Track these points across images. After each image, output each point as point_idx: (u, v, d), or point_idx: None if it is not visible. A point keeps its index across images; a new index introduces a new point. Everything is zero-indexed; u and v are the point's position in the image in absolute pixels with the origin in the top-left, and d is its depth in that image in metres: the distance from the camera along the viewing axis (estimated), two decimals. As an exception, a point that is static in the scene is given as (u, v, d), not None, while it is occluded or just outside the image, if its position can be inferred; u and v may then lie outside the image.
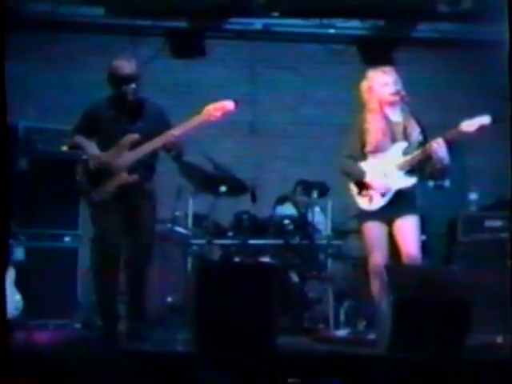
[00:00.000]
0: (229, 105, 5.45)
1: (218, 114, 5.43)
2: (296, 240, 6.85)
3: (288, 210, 7.11)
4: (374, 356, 5.01)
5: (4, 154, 4.05)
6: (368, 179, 5.39)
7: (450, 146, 5.27)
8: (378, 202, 5.38)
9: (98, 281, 5.57)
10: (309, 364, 4.66)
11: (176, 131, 5.40)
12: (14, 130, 6.75)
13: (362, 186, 5.43)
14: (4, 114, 3.97)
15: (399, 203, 5.37)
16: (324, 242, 6.84)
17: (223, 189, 6.39)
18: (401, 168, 5.36)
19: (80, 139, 5.59)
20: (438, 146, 5.20)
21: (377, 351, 5.10)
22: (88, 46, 8.10)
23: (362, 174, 5.42)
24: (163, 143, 5.42)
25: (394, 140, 5.42)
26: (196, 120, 5.45)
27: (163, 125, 5.47)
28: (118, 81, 5.42)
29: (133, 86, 5.41)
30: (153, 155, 5.54)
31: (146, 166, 5.53)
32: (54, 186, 6.64)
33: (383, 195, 5.37)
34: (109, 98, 5.55)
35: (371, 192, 5.39)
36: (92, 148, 5.53)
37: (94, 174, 5.47)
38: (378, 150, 5.41)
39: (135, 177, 5.43)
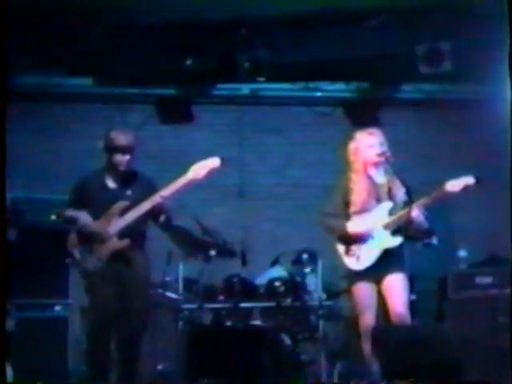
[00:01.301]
0: (214, 162, 5.42)
1: (204, 172, 5.41)
2: (287, 302, 6.83)
3: (278, 272, 7.11)
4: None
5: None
6: (349, 231, 5.42)
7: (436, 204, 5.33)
8: (365, 261, 5.40)
9: (90, 349, 5.54)
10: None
11: (164, 192, 5.43)
12: (2, 201, 6.77)
13: (345, 241, 5.47)
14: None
15: (387, 262, 5.38)
16: (315, 303, 6.84)
17: (213, 253, 6.39)
18: (386, 227, 5.40)
19: (71, 212, 5.61)
20: (418, 212, 5.27)
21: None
22: (76, 114, 8.15)
23: (343, 227, 5.45)
24: (152, 206, 5.44)
25: (378, 200, 5.46)
26: (183, 180, 5.44)
27: (152, 192, 5.51)
28: (113, 150, 5.48)
29: (127, 157, 5.49)
30: (143, 222, 5.56)
31: (137, 233, 5.55)
32: (44, 255, 6.64)
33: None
34: (101, 169, 5.62)
35: (358, 251, 5.42)
36: (83, 216, 5.53)
37: (86, 242, 5.48)
38: (363, 209, 5.45)
39: (126, 241, 5.44)
